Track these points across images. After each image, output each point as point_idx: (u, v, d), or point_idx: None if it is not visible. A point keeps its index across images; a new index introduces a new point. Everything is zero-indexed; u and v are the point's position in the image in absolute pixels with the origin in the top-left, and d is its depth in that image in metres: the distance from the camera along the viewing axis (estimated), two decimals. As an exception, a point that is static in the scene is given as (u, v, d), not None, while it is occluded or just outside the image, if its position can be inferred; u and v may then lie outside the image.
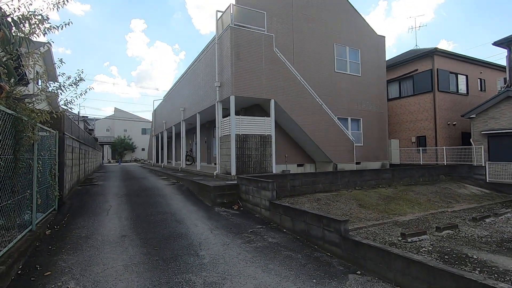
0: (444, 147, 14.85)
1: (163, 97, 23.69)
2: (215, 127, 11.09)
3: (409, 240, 5.55)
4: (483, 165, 12.91)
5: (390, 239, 5.74)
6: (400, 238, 5.67)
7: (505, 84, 13.40)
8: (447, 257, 4.75)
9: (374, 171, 11.30)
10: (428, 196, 9.89)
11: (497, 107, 12.85)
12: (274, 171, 10.40)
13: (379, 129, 14.61)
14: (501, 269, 4.26)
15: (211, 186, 7.86)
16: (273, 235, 5.50)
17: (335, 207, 7.82)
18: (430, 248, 5.16)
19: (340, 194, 9.04)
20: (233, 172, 9.61)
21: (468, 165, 13.59)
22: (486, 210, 8.61)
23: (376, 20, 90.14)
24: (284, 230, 5.83)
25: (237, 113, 10.55)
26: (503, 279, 3.89)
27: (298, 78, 11.33)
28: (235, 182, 8.56)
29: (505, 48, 12.59)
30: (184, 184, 10.81)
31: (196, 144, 14.94)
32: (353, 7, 14.22)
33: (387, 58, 18.41)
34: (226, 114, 10.42)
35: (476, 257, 4.72)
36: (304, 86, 11.45)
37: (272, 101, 10.58)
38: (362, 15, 14.40)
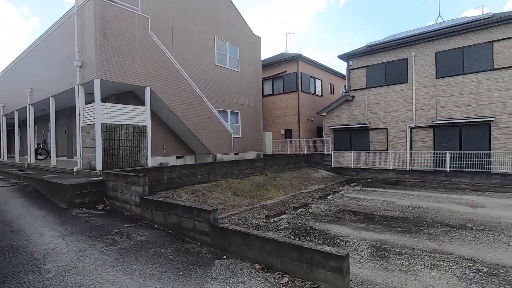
0: (305, 139, 17.76)
1: (0, 73, 18.13)
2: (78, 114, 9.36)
3: (272, 220, 6.36)
4: (330, 153, 16.20)
5: (257, 221, 6.39)
6: (264, 220, 6.41)
7: (345, 89, 17.19)
8: (297, 231, 5.70)
9: (249, 161, 12.30)
10: (291, 181, 11.60)
11: (339, 108, 16.31)
12: (150, 164, 9.75)
13: (255, 122, 15.97)
14: (332, 234, 5.47)
15: (67, 185, 6.63)
16: (142, 233, 5.16)
17: (212, 197, 8.07)
18: (287, 225, 6.07)
19: (217, 184, 9.39)
20: (99, 167, 8.41)
21: (320, 153, 16.73)
22: (329, 189, 10.86)
23: (253, 22, 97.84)
24: (156, 226, 5.57)
25: (105, 100, 9.24)
26: (332, 243, 4.99)
27: (177, 67, 10.93)
28: (101, 178, 7.53)
29: (345, 61, 16.13)
30: (30, 184, 8.70)
31: (50, 134, 12.22)
32: (234, 5, 14.81)
33: (263, 58, 20.32)
34: (91, 100, 8.94)
35: (317, 228, 5.88)
36: (183, 76, 11.16)
37: (148, 89, 9.82)
38: (242, 15, 15.21)
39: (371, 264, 4.08)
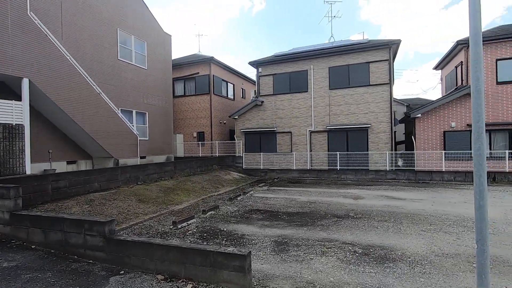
0: (217, 142, 17.87)
1: None
2: None
3: (179, 226, 6.12)
4: (241, 155, 16.76)
5: (163, 229, 6.05)
6: (171, 226, 6.12)
7: (255, 95, 18.14)
8: (206, 234, 5.66)
9: (157, 165, 11.58)
10: (203, 184, 11.46)
11: (250, 112, 17.08)
12: (28, 172, 8.05)
13: (165, 123, 15.16)
14: (239, 234, 5.64)
15: None
16: (12, 257, 4.20)
17: (112, 206, 7.23)
18: (195, 230, 5.95)
19: (119, 192, 8.48)
20: None
21: (232, 156, 17.13)
22: (240, 190, 11.20)
23: (164, 21, 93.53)
24: (33, 247, 4.62)
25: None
26: (238, 243, 5.14)
27: (68, 57, 9.41)
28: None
29: (255, 68, 17.07)
30: None
31: None
32: (140, -4, 13.74)
33: (174, 58, 19.53)
34: None
35: (225, 229, 5.97)
36: (75, 68, 9.68)
37: (26, 81, 8.11)
38: (151, 10, 14.25)
39: (273, 259, 4.38)
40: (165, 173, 11.60)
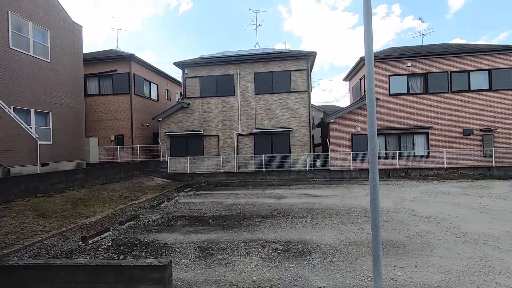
0: (139, 146, 16.60)
1: None
2: None
3: (90, 241, 5.43)
4: (166, 160, 15.94)
5: (69, 246, 5.27)
6: (80, 243, 5.39)
7: (181, 96, 17.53)
8: (123, 247, 5.16)
9: (64, 173, 10.07)
10: (121, 192, 10.46)
11: (176, 114, 16.41)
12: None
13: (75, 125, 13.28)
14: (161, 244, 5.33)
15: None
16: None
17: (-1, 225, 5.96)
18: (110, 244, 5.37)
19: (10, 207, 7.06)
20: None
21: (156, 160, 16.15)
22: (164, 196, 10.62)
23: (77, 9, 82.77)
24: None
25: None
26: (159, 253, 4.85)
27: None
28: None
29: (181, 69, 16.50)
30: None
31: None
32: (41, -23, 11.77)
33: (88, 51, 17.36)
34: None
35: (146, 240, 5.56)
36: None
37: None
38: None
39: (197, 265, 4.27)
40: (74, 182, 10.17)
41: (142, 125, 17.66)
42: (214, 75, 16.27)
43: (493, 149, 14.57)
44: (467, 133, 14.85)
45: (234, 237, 5.59)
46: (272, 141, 15.80)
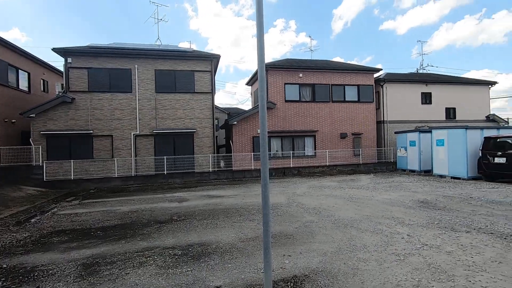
0: (0, 147, 13.19)
1: None
2: None
3: None
4: (41, 164, 13.20)
5: None
6: None
7: (62, 89, 14.85)
8: (-33, 280, 3.98)
9: None
10: (-31, 208, 8.06)
11: (56, 110, 13.79)
12: None
13: None
14: (29, 267, 4.37)
15: None
16: None
17: None
18: None
19: None
20: None
21: (27, 165, 13.19)
22: (36, 209, 8.75)
23: None
24: None
25: None
26: (25, 280, 3.97)
27: None
28: None
29: (63, 57, 13.97)
30: None
31: None
32: None
33: None
34: None
35: (6, 266, 4.45)
36: None
37: None
38: None
39: (77, 286, 3.69)
40: None
41: (5, 121, 14.13)
42: (108, 68, 14.50)
43: (360, 149, 18.06)
44: (343, 136, 17.92)
45: (127, 248, 5.10)
46: (175, 142, 15.22)
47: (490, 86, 21.79)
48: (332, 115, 17.85)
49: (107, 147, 14.45)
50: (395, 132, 17.71)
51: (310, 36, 52.30)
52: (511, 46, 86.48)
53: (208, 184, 13.57)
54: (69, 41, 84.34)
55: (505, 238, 4.99)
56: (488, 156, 11.80)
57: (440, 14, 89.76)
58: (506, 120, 23.03)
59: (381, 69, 19.65)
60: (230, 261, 4.34)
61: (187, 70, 15.45)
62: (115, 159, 14.31)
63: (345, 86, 18.20)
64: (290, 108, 17.18)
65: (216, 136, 18.36)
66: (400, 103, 19.46)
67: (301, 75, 17.41)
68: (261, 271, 3.91)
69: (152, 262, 4.41)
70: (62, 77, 15.59)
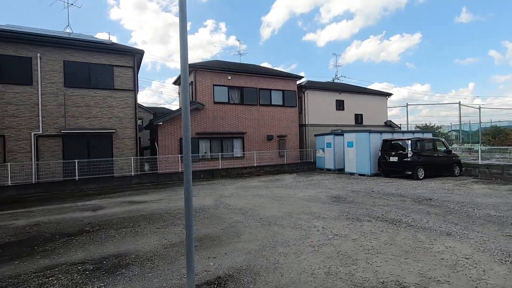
0: None
1: None
2: None
3: None
4: None
5: None
6: None
7: None
8: None
9: None
10: None
11: None
12: None
13: None
14: None
15: None
16: None
17: None
18: None
19: None
20: None
21: None
22: None
23: None
24: None
25: None
26: None
27: None
28: None
29: None
30: None
31: None
32: None
33: None
34: None
35: None
36: None
37: None
38: None
39: None
40: None
41: None
42: (-2, 53, 12.04)
43: (285, 150, 19.25)
44: (269, 138, 18.81)
45: (21, 269, 4.30)
46: (90, 144, 13.57)
47: (387, 96, 25.95)
48: (259, 118, 18.58)
49: (-3, 150, 11.92)
50: (315, 135, 19.48)
51: (239, 40, 53.53)
52: (403, 64, 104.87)
53: (130, 190, 12.50)
54: None
55: (395, 224, 6.00)
56: (385, 156, 14.03)
57: (351, 32, 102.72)
58: (399, 125, 27.77)
59: (303, 77, 21.39)
60: (151, 270, 4.09)
61: (106, 64, 13.96)
62: (8, 164, 11.91)
63: (272, 91, 19.18)
64: (219, 110, 17.20)
65: (140, 137, 17.11)
66: (319, 108, 21.53)
67: (230, 77, 17.60)
68: (185, 276, 3.80)
69: (55, 282, 3.83)
70: None
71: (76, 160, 12.90)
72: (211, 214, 7.38)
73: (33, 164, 12.41)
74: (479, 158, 14.51)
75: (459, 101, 28.83)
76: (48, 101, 12.84)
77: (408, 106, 32.22)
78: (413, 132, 19.02)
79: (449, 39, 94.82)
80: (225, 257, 4.44)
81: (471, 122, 33.12)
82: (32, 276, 4.03)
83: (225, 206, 8.32)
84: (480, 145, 22.09)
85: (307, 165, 19.60)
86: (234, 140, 17.73)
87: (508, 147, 18.53)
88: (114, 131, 13.94)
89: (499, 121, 33.07)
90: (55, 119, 12.93)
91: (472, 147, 22.11)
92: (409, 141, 13.27)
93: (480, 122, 30.53)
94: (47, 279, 3.91)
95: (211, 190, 11.47)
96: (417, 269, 3.84)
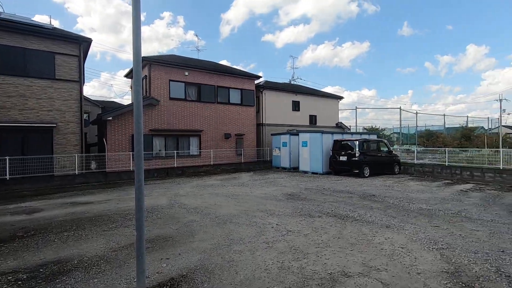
0: None
1: None
2: None
3: None
4: None
5: None
6: None
7: None
8: None
9: None
10: None
11: None
12: None
13: None
14: None
15: None
16: None
17: None
18: None
19: None
20: None
21: None
22: None
23: None
24: None
25: None
26: None
27: None
28: None
29: None
30: None
31: None
32: None
33: None
34: None
35: None
36: None
37: None
38: None
39: None
40: None
41: None
42: None
43: (242, 149, 19.35)
44: (227, 136, 18.74)
45: None
46: (25, 139, 12.13)
47: (339, 99, 27.63)
48: (217, 116, 18.39)
49: None
50: (271, 134, 19.92)
51: (197, 36, 52.18)
52: (353, 69, 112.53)
53: (74, 190, 11.45)
54: None
55: (343, 219, 6.44)
56: (336, 155, 14.94)
57: (307, 36, 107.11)
58: (349, 127, 29.76)
59: (262, 77, 21.73)
60: (96, 275, 3.82)
61: (45, 50, 12.53)
62: None
63: (230, 89, 19.11)
64: (175, 107, 16.62)
65: (86, 133, 15.79)
66: (276, 108, 22.06)
67: (187, 73, 17.11)
68: (134, 280, 3.62)
69: (-22, 295, 3.36)
70: None
71: (7, 157, 11.39)
72: (165, 214, 7.13)
73: (-49, 162, 10.66)
74: (415, 158, 16.25)
75: (400, 106, 31.90)
76: (-28, 89, 11.12)
77: (357, 109, 34.69)
78: (360, 133, 20.56)
79: (393, 49, 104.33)
80: (179, 258, 4.34)
81: (409, 126, 36.85)
82: None
83: (179, 205, 8.10)
84: (416, 147, 24.75)
85: (263, 164, 19.96)
86: (190, 138, 17.30)
87: (438, 148, 21.04)
88: (55, 125, 12.61)
89: (432, 125, 37.44)
90: (-20, 110, 11.25)
91: (409, 148, 24.64)
92: (357, 142, 14.31)
93: (417, 126, 34.15)
94: (-32, 293, 3.42)
95: (165, 189, 11.05)
96: (360, 259, 4.18)
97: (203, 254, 4.47)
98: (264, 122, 21.33)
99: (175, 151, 16.30)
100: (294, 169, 17.77)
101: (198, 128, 17.47)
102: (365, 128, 39.04)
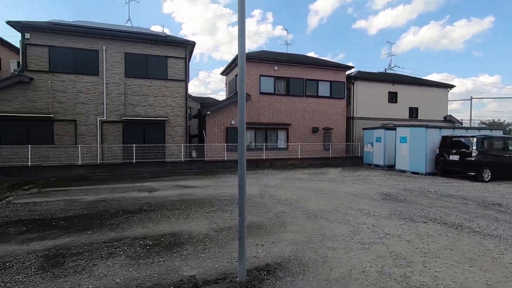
0: None
1: None
2: None
3: None
4: (-7, 149, 12.09)
5: None
6: None
7: (19, 67, 13.56)
8: None
9: None
10: None
11: (10, 90, 12.60)
12: None
13: None
14: (-18, 260, 4.03)
15: None
16: None
17: None
18: None
19: None
20: None
21: (-24, 149, 12.00)
22: (-12, 197, 8.03)
23: None
24: None
25: None
26: (-21, 272, 3.66)
27: None
28: None
29: (20, 32, 12.70)
30: None
31: None
32: None
33: None
34: None
35: (-46, 258, 4.07)
36: None
37: None
38: None
39: (39, 279, 3.48)
40: None
41: (-51, 100, 12.66)
42: (71, 47, 13.50)
43: (330, 143, 18.69)
44: (315, 130, 18.41)
45: (93, 238, 4.88)
46: (145, 130, 14.68)
47: (449, 89, 23.51)
48: (305, 109, 18.22)
49: (70, 133, 13.54)
50: (363, 129, 18.54)
51: (286, 30, 52.64)
52: (468, 52, 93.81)
53: (180, 174, 13.31)
54: (26, 15, 76.66)
55: (456, 228, 5.50)
56: (445, 154, 12.82)
57: (408, 17, 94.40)
58: (461, 121, 25.09)
59: (353, 67, 20.33)
60: (203, 251, 4.34)
61: (160, 55, 14.84)
62: (79, 145, 13.48)
63: (319, 82, 18.61)
64: (265, 101, 17.25)
65: (189, 126, 17.99)
66: (369, 101, 20.36)
67: (276, 68, 17.48)
68: (235, 260, 3.96)
69: (122, 252, 4.27)
70: (18, 54, 14.22)
71: (134, 145, 14.09)
72: (257, 202, 7.53)
73: (99, 147, 13.85)
74: None
75: (539, 95, 24.96)
76: (111, 90, 14.12)
77: (472, 99, 28.88)
78: (478, 128, 17.04)
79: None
80: (273, 246, 4.52)
81: (552, 119, 28.54)
82: (102, 246, 4.55)
83: (270, 196, 8.42)
84: None
85: (353, 160, 18.83)
86: (278, 131, 17.71)
87: None
88: (166, 119, 14.86)
89: None
90: (116, 107, 14.20)
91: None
92: (474, 139, 11.93)
93: None
94: (115, 250, 4.38)
95: (255, 179, 11.67)
96: (483, 279, 3.50)
97: (296, 245, 4.53)
98: (355, 116, 20.03)
99: (264, 144, 16.98)
100: (389, 167, 16.14)
101: (286, 122, 17.72)
102: (483, 122, 32.24)
